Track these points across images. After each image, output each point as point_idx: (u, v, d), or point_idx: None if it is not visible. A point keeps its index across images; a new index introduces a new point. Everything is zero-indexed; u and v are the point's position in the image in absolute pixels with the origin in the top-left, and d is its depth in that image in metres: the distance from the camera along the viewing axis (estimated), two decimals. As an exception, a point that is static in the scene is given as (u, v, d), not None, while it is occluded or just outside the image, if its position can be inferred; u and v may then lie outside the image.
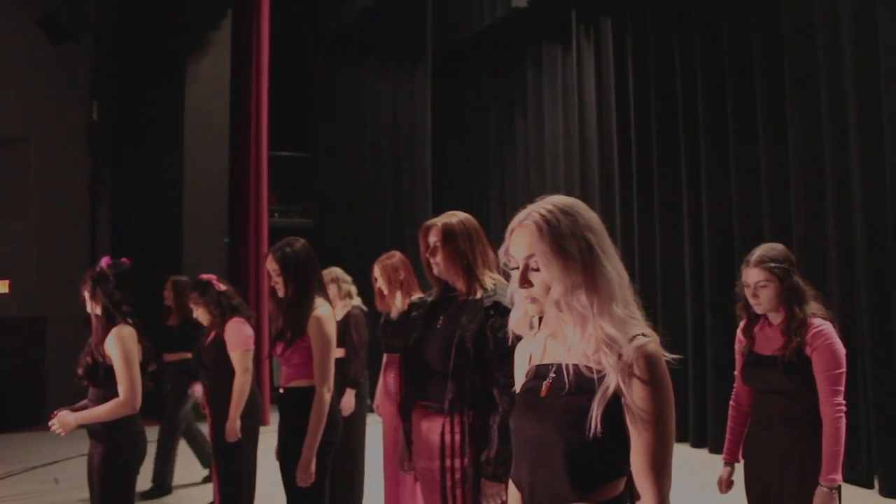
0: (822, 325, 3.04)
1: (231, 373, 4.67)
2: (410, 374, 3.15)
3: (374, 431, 5.32)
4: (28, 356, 11.50)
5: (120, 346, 3.48)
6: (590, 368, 1.70)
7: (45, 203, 11.74)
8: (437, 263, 3.07)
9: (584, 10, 9.48)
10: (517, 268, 1.78)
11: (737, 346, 3.36)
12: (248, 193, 9.50)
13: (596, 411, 1.64)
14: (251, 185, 9.47)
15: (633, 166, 8.70)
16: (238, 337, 4.67)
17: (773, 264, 3.11)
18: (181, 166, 9.88)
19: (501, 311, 2.87)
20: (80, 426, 3.47)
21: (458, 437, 2.91)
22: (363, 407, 5.45)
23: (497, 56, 11.07)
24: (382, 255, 4.96)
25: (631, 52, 8.75)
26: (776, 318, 3.15)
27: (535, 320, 1.88)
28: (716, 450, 7.32)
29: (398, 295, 4.86)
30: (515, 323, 1.87)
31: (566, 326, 1.74)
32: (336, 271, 5.52)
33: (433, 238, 3.08)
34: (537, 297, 1.76)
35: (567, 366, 1.74)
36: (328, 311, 3.57)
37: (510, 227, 1.81)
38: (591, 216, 1.79)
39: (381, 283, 4.88)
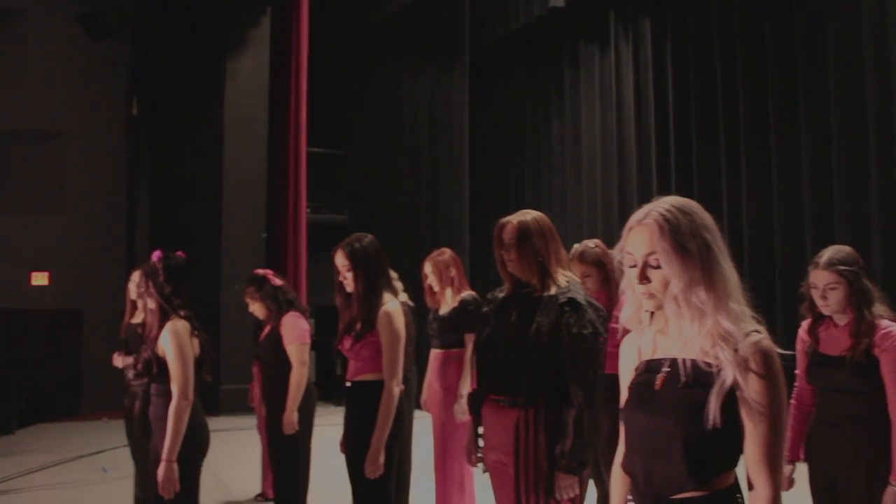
0: (890, 327, 3.07)
1: (287, 366, 4.73)
2: (482, 368, 3.20)
3: (421, 426, 5.39)
4: (65, 347, 11.68)
5: (174, 340, 3.48)
6: (707, 363, 1.77)
7: (82, 197, 11.92)
8: (512, 260, 3.12)
9: (623, 10, 9.51)
10: (634, 265, 1.85)
11: (799, 346, 3.38)
12: (287, 189, 9.60)
13: (714, 403, 1.71)
14: (290, 181, 9.56)
15: (671, 167, 8.72)
16: (295, 331, 4.74)
17: (842, 267, 3.13)
18: (220, 162, 9.98)
19: (576, 308, 2.94)
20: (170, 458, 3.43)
21: (532, 430, 2.95)
22: (411, 402, 5.50)
23: (533, 55, 11.10)
24: (434, 252, 5.00)
25: (670, 53, 8.78)
26: (842, 320, 3.18)
27: (647, 316, 1.95)
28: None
29: (448, 291, 4.91)
30: (627, 318, 1.95)
31: (683, 322, 1.80)
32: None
33: (508, 236, 3.13)
34: (655, 293, 1.83)
35: (684, 360, 1.80)
36: (397, 307, 3.63)
37: (628, 225, 1.89)
38: (706, 216, 1.87)
39: (431, 280, 4.93)
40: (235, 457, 7.20)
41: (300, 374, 4.71)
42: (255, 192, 10.04)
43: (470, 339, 4.79)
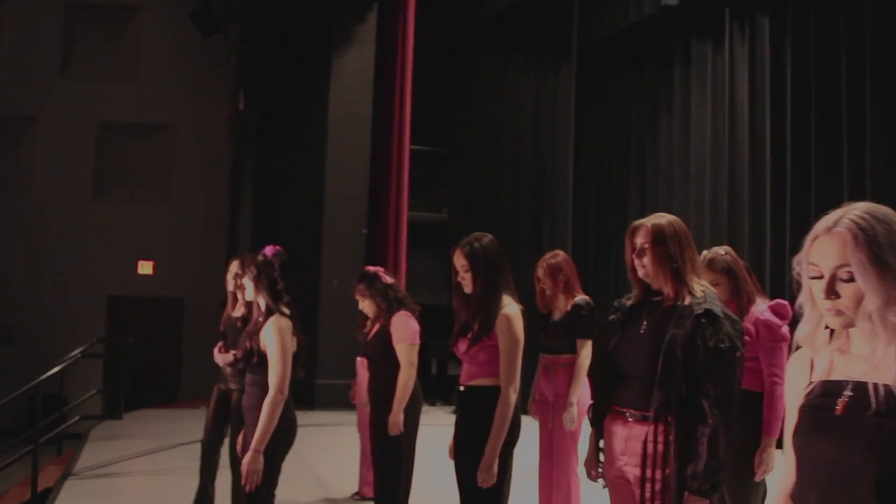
0: None
1: (395, 366, 4.66)
2: (607, 378, 3.06)
3: (528, 432, 5.22)
4: (167, 336, 11.99)
5: (277, 336, 3.52)
6: None
7: (188, 189, 12.22)
8: (644, 266, 2.95)
9: (740, 7, 9.13)
10: (818, 277, 1.68)
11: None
12: (389, 186, 9.57)
13: None
14: (392, 179, 9.54)
15: (787, 174, 8.31)
16: (405, 330, 4.67)
17: None
18: (323, 156, 10.02)
19: (713, 320, 2.77)
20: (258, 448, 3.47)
21: (661, 446, 2.79)
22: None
23: (643, 54, 10.80)
24: (547, 255, 4.85)
25: (790, 53, 8.37)
26: None
27: (825, 334, 1.77)
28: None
29: (561, 296, 4.75)
30: (805, 335, 1.79)
31: (877, 343, 1.62)
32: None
33: (641, 239, 2.97)
34: (844, 310, 1.66)
35: (876, 385, 1.62)
36: (517, 310, 3.50)
37: (813, 233, 1.73)
38: None
39: (544, 283, 4.78)
40: (331, 453, 7.20)
41: (408, 375, 4.63)
42: (356, 187, 10.05)
43: (583, 346, 4.64)
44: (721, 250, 3.90)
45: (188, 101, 12.05)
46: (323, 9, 10.25)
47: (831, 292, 1.66)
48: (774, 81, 8.56)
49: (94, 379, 10.35)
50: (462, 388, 3.58)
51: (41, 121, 12.23)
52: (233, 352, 4.81)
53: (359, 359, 5.73)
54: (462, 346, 3.54)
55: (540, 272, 4.76)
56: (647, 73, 10.76)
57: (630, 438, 2.86)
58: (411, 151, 10.14)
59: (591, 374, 4.75)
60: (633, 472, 2.84)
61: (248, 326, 3.78)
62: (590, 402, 4.75)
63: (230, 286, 5.04)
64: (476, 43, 11.12)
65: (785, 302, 3.84)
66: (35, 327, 11.72)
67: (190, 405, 9.65)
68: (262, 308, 3.64)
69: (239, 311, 4.91)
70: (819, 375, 1.76)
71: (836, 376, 1.72)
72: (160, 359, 11.74)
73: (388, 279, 4.90)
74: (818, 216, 6.40)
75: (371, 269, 5.04)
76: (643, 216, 10.67)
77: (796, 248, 6.37)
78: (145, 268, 12.03)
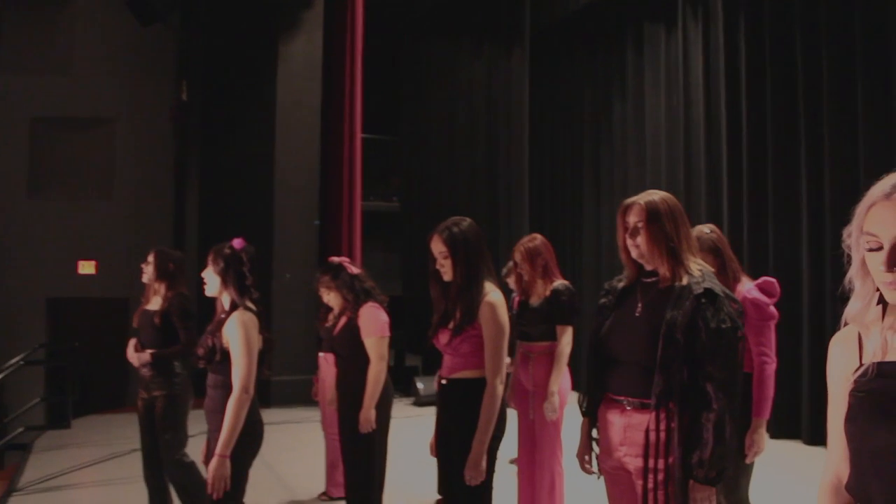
0: None
1: (364, 360, 4.45)
2: (600, 365, 2.90)
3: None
4: (111, 337, 11.52)
5: (242, 330, 3.31)
6: None
7: (130, 184, 11.75)
8: (638, 246, 2.81)
9: (693, -11, 9.06)
10: (876, 248, 1.52)
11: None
12: (341, 176, 9.31)
13: None
14: (344, 168, 9.28)
15: (743, 156, 8.27)
16: (374, 323, 4.46)
17: None
18: (272, 147, 9.72)
19: (713, 299, 2.64)
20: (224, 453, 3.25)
21: (663, 434, 2.66)
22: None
23: (594, 36, 10.68)
24: (524, 238, 4.69)
25: (744, 34, 8.31)
26: None
27: (877, 311, 1.61)
28: (813, 441, 7.14)
29: (539, 281, 4.58)
30: (856, 312, 1.62)
31: None
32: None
33: (634, 218, 2.81)
34: None
35: None
36: (500, 297, 3.31)
37: (867, 201, 1.56)
38: None
39: (521, 268, 4.60)
40: (294, 452, 6.95)
41: (379, 369, 4.43)
42: (307, 178, 9.77)
43: (563, 332, 4.48)
44: (706, 228, 3.77)
45: (127, 94, 11.58)
46: (267, -5, 9.92)
47: (893, 264, 1.50)
48: (729, 63, 8.50)
49: (35, 386, 9.88)
50: (444, 382, 3.39)
51: (-30, 117, 11.64)
52: (149, 350, 4.55)
53: (322, 354, 5.51)
54: (443, 338, 3.34)
55: (517, 256, 4.58)
56: (600, 55, 10.65)
57: (629, 428, 2.73)
58: (363, 140, 9.88)
59: (571, 362, 4.62)
60: (633, 462, 2.72)
61: (210, 325, 3.53)
62: (570, 390, 4.64)
63: (146, 278, 4.77)
64: (426, 27, 10.89)
65: (773, 279, 3.74)
66: (-31, 333, 11.16)
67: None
68: (227, 304, 3.42)
69: (156, 304, 4.67)
70: (871, 357, 1.61)
71: (892, 357, 1.57)
72: (105, 362, 11.27)
73: (354, 269, 4.68)
74: (775, 198, 6.34)
75: (335, 259, 4.80)
76: (597, 200, 10.69)
77: (754, 229, 6.25)
78: (87, 268, 11.54)
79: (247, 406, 3.27)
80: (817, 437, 7.11)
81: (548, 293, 4.52)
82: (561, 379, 4.44)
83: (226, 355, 3.32)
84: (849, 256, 1.64)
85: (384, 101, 11.54)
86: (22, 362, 7.80)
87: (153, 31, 10.67)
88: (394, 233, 12.06)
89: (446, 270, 3.34)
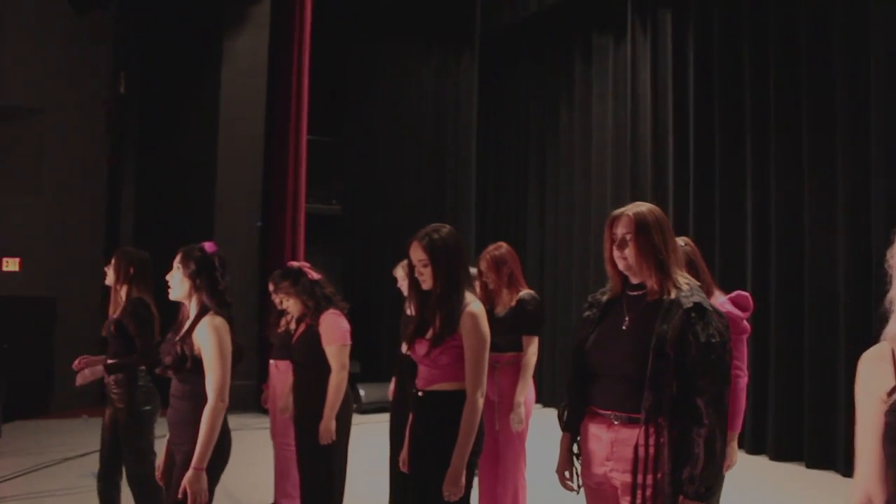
0: None
1: (324, 369, 4.32)
2: (584, 378, 2.85)
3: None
4: (37, 338, 11.00)
5: (214, 335, 3.14)
6: None
7: (59, 179, 11.21)
8: (625, 258, 2.78)
9: (642, 2, 9.14)
10: None
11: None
12: (286, 177, 9.10)
13: None
14: (289, 169, 9.06)
15: (690, 167, 8.40)
16: (336, 331, 4.33)
17: None
18: (215, 145, 9.43)
19: (702, 314, 2.62)
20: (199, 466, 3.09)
21: (652, 449, 2.62)
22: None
23: (541, 46, 10.70)
24: (489, 247, 4.61)
25: (693, 47, 8.45)
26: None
27: None
28: (778, 457, 7.17)
29: (504, 290, 4.51)
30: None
31: None
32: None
33: (622, 229, 2.79)
34: None
35: None
36: (481, 308, 3.22)
37: None
38: None
39: (487, 276, 4.52)
40: (240, 461, 6.67)
41: (340, 378, 4.30)
42: (250, 178, 9.50)
43: (529, 342, 4.42)
44: (681, 241, 3.74)
45: (57, 83, 11.03)
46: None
47: None
48: (677, 76, 8.63)
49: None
50: (420, 394, 3.28)
51: None
52: (110, 360, 4.29)
53: (272, 361, 5.32)
54: (421, 349, 3.24)
55: (483, 265, 4.50)
56: (547, 64, 10.69)
57: (617, 442, 2.70)
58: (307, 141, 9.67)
59: (535, 373, 4.56)
60: (620, 478, 2.68)
61: (172, 331, 3.35)
62: (534, 401, 4.58)
63: (110, 280, 4.45)
64: (374, 28, 10.73)
65: (746, 293, 3.75)
66: None
67: (68, 415, 8.86)
68: (194, 309, 3.25)
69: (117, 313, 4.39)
70: None
71: None
72: (29, 364, 10.74)
73: (315, 275, 4.53)
74: (722, 211, 6.42)
75: (295, 264, 4.66)
76: (541, 210, 10.66)
77: (702, 239, 6.27)
78: (10, 265, 10.98)
79: (222, 415, 3.13)
80: (783, 453, 7.21)
81: (513, 303, 4.46)
82: (527, 390, 4.38)
83: (197, 363, 3.14)
84: (890, 277, 1.62)
85: (327, 102, 11.31)
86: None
87: (89, 19, 10.25)
88: (334, 236, 11.84)
89: (426, 279, 3.24)
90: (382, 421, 6.10)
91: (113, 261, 4.44)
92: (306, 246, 9.91)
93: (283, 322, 5.12)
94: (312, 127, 10.38)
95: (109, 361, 4.26)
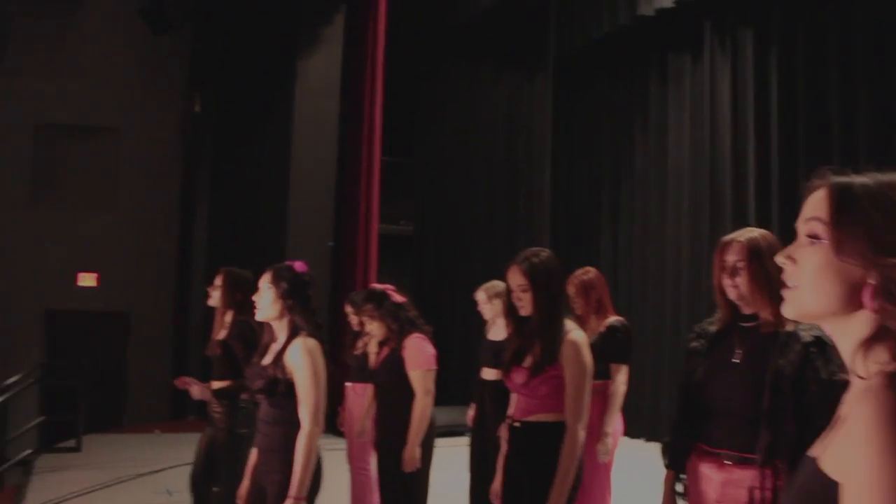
0: None
1: (407, 394, 4.23)
2: (692, 414, 2.71)
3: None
4: (112, 352, 11.19)
5: (307, 359, 3.04)
6: None
7: (135, 196, 11.45)
8: (737, 287, 2.63)
9: (721, 19, 8.94)
10: None
11: None
12: (358, 197, 9.08)
13: None
14: (361, 189, 9.05)
15: (772, 191, 8.13)
16: (420, 355, 4.24)
17: None
18: (287, 164, 9.47)
19: (823, 348, 2.45)
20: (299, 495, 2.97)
21: (768, 493, 2.46)
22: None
23: (616, 66, 10.53)
24: (577, 271, 4.48)
25: (776, 66, 8.21)
26: None
27: None
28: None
29: (593, 316, 4.38)
30: None
31: None
32: (500, 285, 5.02)
33: (734, 257, 2.64)
34: None
35: None
36: (583, 336, 3.10)
37: None
38: None
39: (574, 302, 4.39)
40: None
41: (425, 404, 4.20)
42: (323, 198, 9.52)
43: (618, 370, 4.28)
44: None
45: (135, 103, 11.29)
46: (287, 8, 9.71)
47: None
48: (759, 96, 8.39)
49: (31, 403, 9.52)
50: (517, 424, 3.16)
51: (-27, 121, 11.32)
52: (216, 382, 4.25)
53: (349, 384, 5.25)
54: (518, 377, 3.12)
55: (571, 290, 4.37)
56: (623, 85, 10.50)
57: (728, 484, 2.54)
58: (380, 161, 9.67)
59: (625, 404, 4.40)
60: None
61: (258, 354, 3.28)
62: (622, 432, 4.43)
63: (214, 301, 4.46)
64: (447, 49, 10.71)
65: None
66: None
67: (141, 430, 8.94)
68: (286, 330, 3.16)
69: (224, 334, 4.37)
70: None
71: None
72: (103, 379, 10.91)
73: (399, 298, 4.45)
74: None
75: (378, 286, 4.57)
76: (614, 234, 10.42)
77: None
78: (87, 280, 11.21)
79: (317, 440, 3.02)
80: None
81: (602, 329, 4.32)
82: (615, 420, 4.23)
83: (289, 387, 3.04)
84: None
85: (399, 123, 11.33)
86: (33, 381, 7.45)
87: (165, 41, 10.46)
88: (404, 258, 11.81)
89: (524, 304, 3.13)
90: (454, 445, 5.99)
91: (220, 283, 4.38)
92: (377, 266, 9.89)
93: (359, 344, 5.05)
94: (384, 147, 10.41)
95: (216, 385, 4.23)
